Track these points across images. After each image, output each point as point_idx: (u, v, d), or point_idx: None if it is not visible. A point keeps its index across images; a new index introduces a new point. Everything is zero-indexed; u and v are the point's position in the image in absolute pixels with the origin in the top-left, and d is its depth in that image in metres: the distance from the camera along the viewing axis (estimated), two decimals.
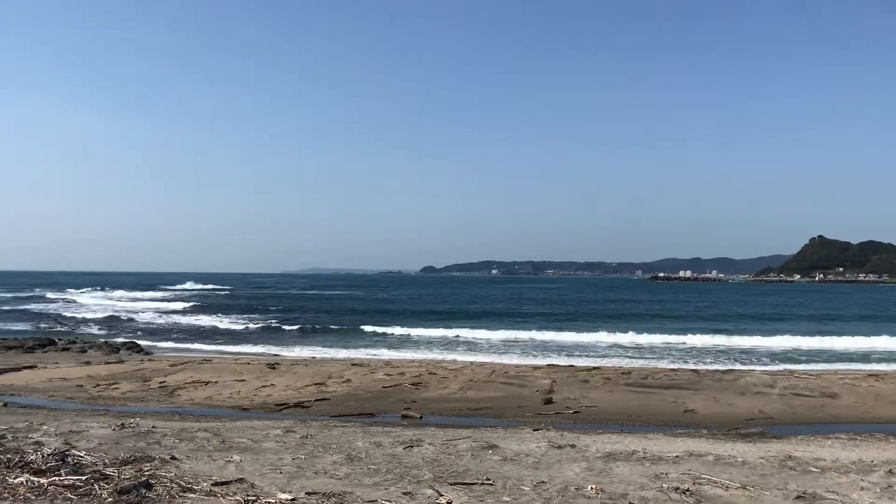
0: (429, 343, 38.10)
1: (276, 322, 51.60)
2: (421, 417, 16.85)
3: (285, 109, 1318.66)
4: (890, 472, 10.45)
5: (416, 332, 43.26)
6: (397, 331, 43.78)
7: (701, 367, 27.82)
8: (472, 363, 27.52)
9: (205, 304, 75.38)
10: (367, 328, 45.48)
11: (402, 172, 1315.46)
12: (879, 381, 23.07)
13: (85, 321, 53.04)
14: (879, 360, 31.01)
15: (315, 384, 21.72)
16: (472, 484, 8.95)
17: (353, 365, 26.32)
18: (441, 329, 44.49)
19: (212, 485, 8.01)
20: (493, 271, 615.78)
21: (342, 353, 32.47)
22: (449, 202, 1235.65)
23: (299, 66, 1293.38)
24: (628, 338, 39.70)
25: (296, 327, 47.50)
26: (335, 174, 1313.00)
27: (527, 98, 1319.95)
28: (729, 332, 43.85)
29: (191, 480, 8.12)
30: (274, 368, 25.09)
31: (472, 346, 36.91)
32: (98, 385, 21.51)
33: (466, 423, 16.15)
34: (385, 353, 32.59)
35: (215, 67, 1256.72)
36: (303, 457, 10.57)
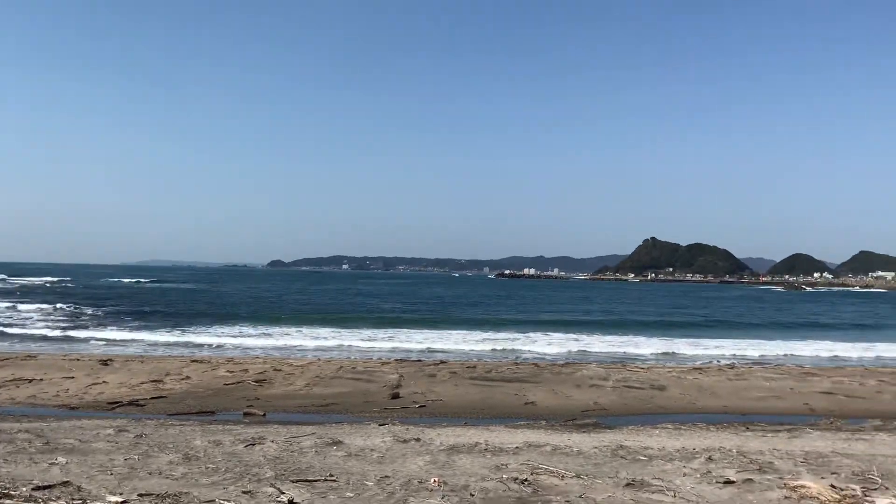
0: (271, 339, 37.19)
1: (111, 316, 48.92)
2: (264, 415, 16.47)
3: (128, 98, 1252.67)
4: (709, 458, 11.24)
5: (262, 330, 42.16)
6: (244, 329, 42.52)
7: (542, 361, 28.81)
8: (319, 359, 27.20)
9: (34, 296, 70.28)
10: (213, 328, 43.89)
11: (250, 166, 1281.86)
12: (702, 374, 24.78)
13: None
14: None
15: (152, 381, 20.76)
16: (315, 481, 8.85)
17: (193, 361, 25.34)
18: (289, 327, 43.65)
19: (32, 489, 7.49)
20: (344, 266, 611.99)
21: (182, 350, 31.19)
22: (298, 196, 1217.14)
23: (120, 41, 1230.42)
24: (476, 336, 40.50)
25: (135, 322, 45.23)
26: (183, 166, 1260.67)
27: (378, 94, 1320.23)
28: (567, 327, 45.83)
29: (8, 485, 7.55)
30: (107, 365, 23.74)
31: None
32: None
33: (312, 419, 15.94)
34: (229, 351, 31.59)
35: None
36: (136, 457, 10.08)
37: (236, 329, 41.14)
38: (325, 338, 37.03)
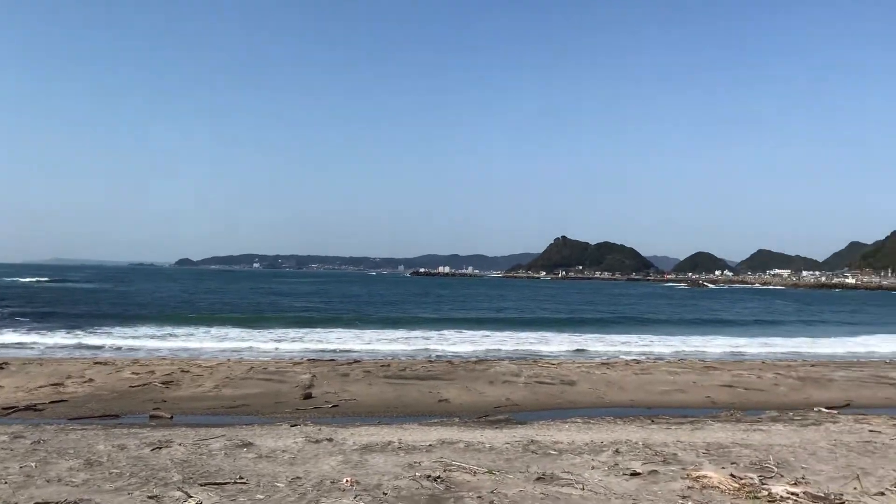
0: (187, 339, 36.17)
1: (6, 318, 46.62)
2: (172, 417, 16.02)
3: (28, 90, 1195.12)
4: (616, 451, 11.54)
5: (168, 330, 40.91)
6: (151, 330, 41.18)
7: (456, 358, 28.99)
8: (229, 360, 26.63)
9: None
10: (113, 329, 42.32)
11: (157, 162, 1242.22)
12: (610, 369, 25.44)
13: None
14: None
15: (51, 385, 19.88)
16: (225, 483, 8.67)
17: (96, 363, 24.40)
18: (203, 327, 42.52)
19: None
20: (256, 265, 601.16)
21: (84, 353, 29.99)
22: (206, 193, 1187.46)
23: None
24: (399, 334, 40.44)
25: (33, 323, 43.20)
26: (90, 162, 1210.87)
27: (287, 92, 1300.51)
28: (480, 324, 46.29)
29: None
30: (2, 369, 22.63)
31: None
32: None
33: (221, 421, 15.59)
34: (134, 352, 30.56)
35: None
36: (33, 464, 9.65)
37: (142, 330, 39.71)
38: (235, 338, 36.24)
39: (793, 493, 8.61)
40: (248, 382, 21.09)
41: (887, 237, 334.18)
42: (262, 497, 8.09)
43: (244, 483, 8.74)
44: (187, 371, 22.78)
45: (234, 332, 39.36)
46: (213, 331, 39.62)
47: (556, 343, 36.86)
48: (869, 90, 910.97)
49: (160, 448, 11.07)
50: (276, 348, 32.84)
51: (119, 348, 31.74)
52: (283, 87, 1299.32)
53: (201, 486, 8.54)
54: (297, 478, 9.11)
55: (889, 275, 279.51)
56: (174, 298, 77.30)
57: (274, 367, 24.25)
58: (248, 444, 11.52)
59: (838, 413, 17.56)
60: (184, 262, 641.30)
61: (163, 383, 20.48)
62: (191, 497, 7.87)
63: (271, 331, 40.42)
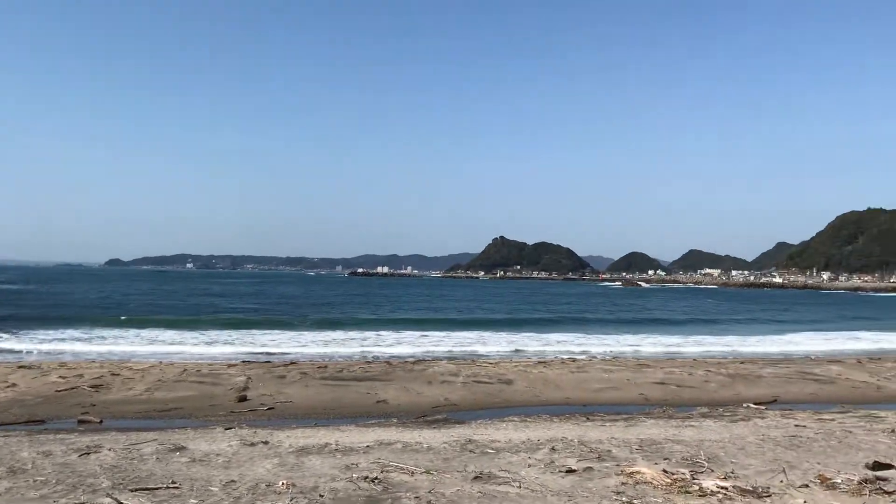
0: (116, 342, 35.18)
1: None
2: (101, 422, 15.59)
3: None
4: (553, 448, 11.67)
5: (97, 333, 39.75)
6: (80, 333, 39.94)
7: (394, 359, 28.92)
8: (161, 362, 26.03)
9: None
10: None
11: (85, 158, 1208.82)
12: (547, 367, 25.73)
13: None
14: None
15: None
16: (157, 488, 8.47)
17: (20, 367, 23.58)
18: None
19: None
20: (189, 265, 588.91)
21: (8, 357, 28.92)
22: (137, 191, 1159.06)
23: None
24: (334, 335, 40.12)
25: None
26: (13, 157, 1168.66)
27: (226, 86, 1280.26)
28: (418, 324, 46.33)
29: None
30: None
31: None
32: None
33: (153, 425, 15.23)
34: (62, 356, 29.59)
35: None
36: None
37: (69, 332, 38.45)
38: (167, 340, 35.48)
39: (722, 487, 8.83)
40: (181, 385, 20.65)
41: (812, 238, 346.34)
42: (195, 501, 7.93)
43: (177, 488, 8.55)
44: (118, 374, 22.19)
45: (167, 334, 38.48)
46: (145, 333, 38.66)
47: (493, 343, 37.13)
48: (798, 94, 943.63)
49: (88, 454, 10.75)
50: (211, 351, 32.27)
51: (45, 352, 30.68)
52: (217, 85, 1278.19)
53: (132, 491, 8.32)
54: (232, 481, 8.96)
55: (814, 274, 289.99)
56: (104, 300, 75.15)
57: (208, 370, 23.80)
58: (181, 448, 11.27)
59: (766, 409, 18.11)
60: (114, 262, 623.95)
61: (91, 387, 19.91)
62: (121, 503, 7.67)
63: (205, 333, 39.65)
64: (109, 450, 11.08)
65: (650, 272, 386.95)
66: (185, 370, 23.46)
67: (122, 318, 49.47)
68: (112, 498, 7.92)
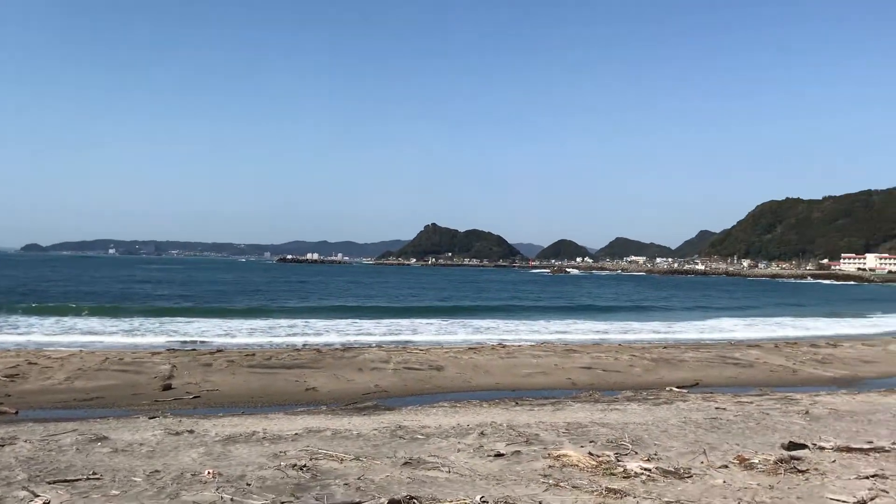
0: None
1: None
2: (17, 413, 15.02)
3: None
4: (482, 433, 11.79)
5: (13, 320, 38.24)
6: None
7: (324, 346, 28.69)
8: (81, 350, 25.21)
9: None
10: None
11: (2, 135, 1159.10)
12: (477, 353, 25.92)
13: None
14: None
15: None
16: (76, 480, 8.24)
17: None
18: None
19: None
20: (111, 251, 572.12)
21: None
22: (56, 173, 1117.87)
23: None
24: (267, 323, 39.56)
25: None
26: None
27: (148, 78, 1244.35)
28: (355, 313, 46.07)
29: None
30: None
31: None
32: None
33: (73, 415, 14.76)
34: None
35: None
36: None
37: None
38: (88, 329, 34.38)
39: (646, 469, 9.07)
40: (102, 374, 20.06)
41: (733, 226, 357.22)
42: (117, 492, 7.74)
43: (98, 479, 8.33)
44: (35, 363, 21.40)
45: (88, 322, 37.27)
46: (65, 321, 37.32)
47: (425, 330, 37.20)
48: (720, 88, 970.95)
49: (3, 446, 10.37)
50: (134, 339, 31.40)
51: None
52: (135, 67, 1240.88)
53: (50, 483, 8.06)
54: (156, 471, 8.77)
55: (735, 261, 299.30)
56: (20, 286, 72.24)
57: (131, 358, 23.16)
58: (103, 439, 10.98)
59: (688, 392, 18.68)
60: (31, 247, 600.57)
61: (6, 377, 19.16)
62: (37, 496, 7.42)
63: (129, 320, 38.54)
64: (26, 441, 10.72)
65: (578, 259, 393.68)
66: (107, 359, 22.78)
67: (40, 305, 47.68)
68: (28, 491, 7.66)
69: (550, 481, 8.59)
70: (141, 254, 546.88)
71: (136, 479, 8.37)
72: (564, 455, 9.79)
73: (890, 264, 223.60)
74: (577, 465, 9.33)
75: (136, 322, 37.76)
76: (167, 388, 18.23)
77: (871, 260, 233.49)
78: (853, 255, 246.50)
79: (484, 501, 7.34)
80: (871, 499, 7.89)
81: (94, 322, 37.20)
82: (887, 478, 8.84)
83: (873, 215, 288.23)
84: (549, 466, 9.37)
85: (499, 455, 10.06)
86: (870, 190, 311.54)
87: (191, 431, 11.78)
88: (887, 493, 8.13)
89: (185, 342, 30.11)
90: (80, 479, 8.27)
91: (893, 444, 10.94)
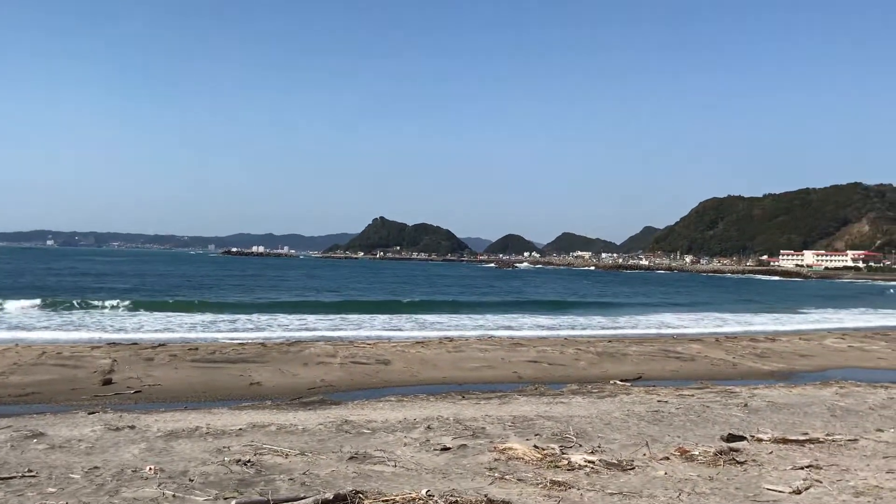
0: None
1: None
2: None
3: None
4: (429, 427, 11.81)
5: None
6: None
7: (269, 341, 28.37)
8: (17, 344, 24.50)
9: None
10: None
11: None
12: (425, 347, 25.94)
13: None
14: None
15: None
16: (11, 478, 8.01)
17: None
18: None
19: None
20: (49, 242, 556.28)
21: None
22: None
23: None
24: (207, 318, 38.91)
25: None
26: None
27: (93, 63, 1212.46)
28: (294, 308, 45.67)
29: None
30: None
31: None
32: None
33: (8, 411, 14.32)
34: None
35: None
36: None
37: None
38: (25, 323, 33.42)
39: (590, 461, 9.20)
40: (39, 368, 19.52)
41: (677, 222, 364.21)
42: (54, 490, 7.54)
43: (34, 476, 8.11)
44: None
45: (25, 316, 36.27)
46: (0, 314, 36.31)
47: (372, 324, 37.08)
48: (664, 87, 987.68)
49: None
50: (72, 334, 30.59)
51: None
52: (79, 55, 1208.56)
53: None
54: (95, 468, 8.57)
55: (678, 257, 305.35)
56: None
57: (69, 353, 22.59)
58: (39, 435, 10.68)
59: (631, 385, 18.97)
60: None
61: None
62: None
63: (68, 314, 37.67)
64: None
65: (525, 254, 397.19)
66: (44, 353, 22.17)
67: None
68: None
69: (496, 474, 8.65)
70: (80, 245, 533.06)
71: (74, 476, 8.17)
72: (510, 448, 9.87)
73: (826, 261, 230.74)
74: (523, 458, 9.42)
75: (75, 316, 36.87)
76: (107, 382, 17.82)
77: (808, 256, 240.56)
78: (792, 251, 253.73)
79: (430, 495, 7.35)
80: (806, 488, 8.14)
81: (31, 316, 36.27)
82: (821, 468, 9.13)
83: (811, 213, 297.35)
84: (495, 460, 9.44)
85: (445, 449, 10.09)
86: (808, 188, 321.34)
87: (132, 427, 11.55)
88: (821, 482, 8.39)
89: (125, 336, 29.46)
90: (14, 477, 8.04)
91: (828, 435, 11.30)
